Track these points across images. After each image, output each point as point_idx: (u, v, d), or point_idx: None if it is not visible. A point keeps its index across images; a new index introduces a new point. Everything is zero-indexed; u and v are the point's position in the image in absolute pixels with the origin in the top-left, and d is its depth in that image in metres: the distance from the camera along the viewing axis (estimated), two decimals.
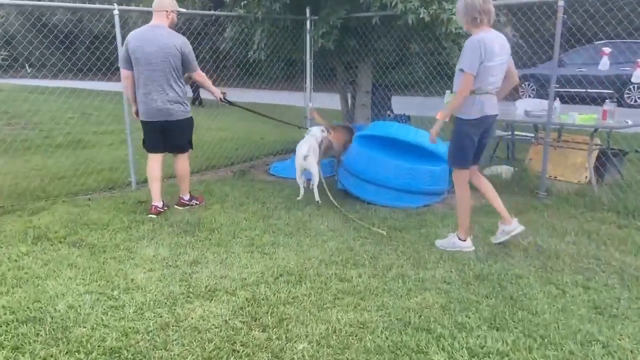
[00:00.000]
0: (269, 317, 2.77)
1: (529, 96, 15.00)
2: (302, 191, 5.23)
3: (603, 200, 4.75)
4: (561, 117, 5.48)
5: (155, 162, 4.68)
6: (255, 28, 6.89)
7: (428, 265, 3.48)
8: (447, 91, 3.75)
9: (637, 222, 4.28)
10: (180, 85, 4.52)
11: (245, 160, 7.30)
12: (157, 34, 4.34)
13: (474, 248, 3.77)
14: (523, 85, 15.47)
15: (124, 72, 4.52)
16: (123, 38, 4.79)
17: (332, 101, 8.71)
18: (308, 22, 6.67)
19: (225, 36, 7.59)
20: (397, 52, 7.44)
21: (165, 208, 4.73)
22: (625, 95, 12.93)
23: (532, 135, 6.47)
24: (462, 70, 3.45)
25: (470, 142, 3.63)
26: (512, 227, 3.77)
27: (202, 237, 4.05)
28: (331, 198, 4.99)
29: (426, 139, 4.96)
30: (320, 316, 2.79)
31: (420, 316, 2.78)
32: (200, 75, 4.62)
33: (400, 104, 9.19)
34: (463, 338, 2.54)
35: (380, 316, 2.78)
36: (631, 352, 2.40)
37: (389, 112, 9.28)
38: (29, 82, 22.30)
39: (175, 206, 4.80)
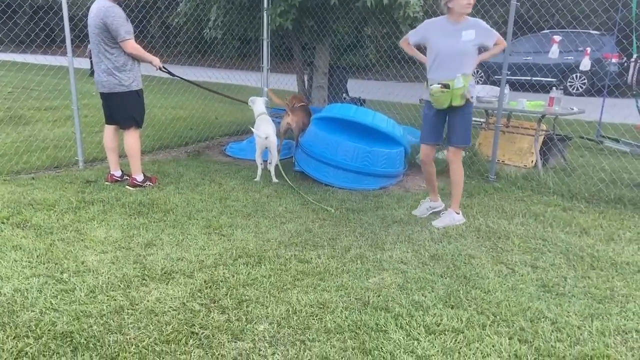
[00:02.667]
0: (228, 299, 2.74)
1: (477, 83, 15.44)
2: (259, 172, 5.18)
3: (549, 183, 4.97)
4: (510, 104, 5.67)
5: (107, 132, 4.74)
6: (211, 4, 6.69)
7: (385, 246, 3.54)
8: (458, 75, 3.66)
9: (581, 205, 4.52)
10: (111, 57, 4.36)
11: (199, 140, 7.14)
12: (95, 6, 4.33)
13: (464, 220, 4.06)
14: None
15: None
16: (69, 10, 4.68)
17: (288, 82, 8.62)
18: (265, 0, 6.53)
19: (179, 11, 7.31)
20: (354, 35, 7.44)
21: (126, 178, 4.77)
22: (568, 84, 13.54)
23: (482, 120, 6.67)
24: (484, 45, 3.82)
25: None
26: (438, 204, 4.27)
27: (156, 218, 3.93)
28: (288, 180, 4.97)
29: (383, 123, 5.05)
30: (281, 297, 2.78)
31: (379, 296, 2.82)
32: (128, 46, 4.34)
33: (354, 87, 9.23)
34: (420, 316, 2.61)
35: (339, 296, 2.81)
36: (578, 328, 2.54)
37: (344, 94, 9.30)
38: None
39: (127, 187, 4.64)
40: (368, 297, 2.80)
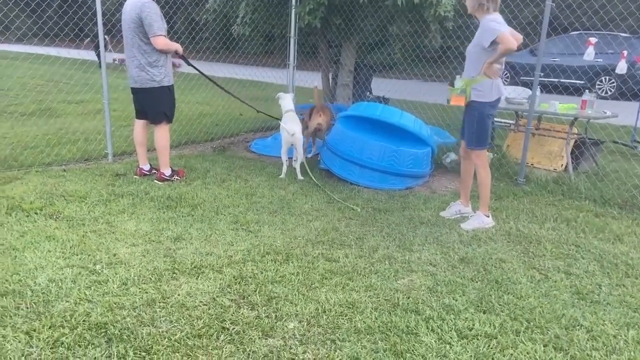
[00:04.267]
0: (257, 296, 2.74)
1: (503, 84, 15.21)
2: (284, 169, 5.18)
3: (580, 188, 4.87)
4: (542, 106, 5.56)
5: (136, 126, 4.80)
6: (240, 1, 6.72)
7: (413, 247, 3.51)
8: (457, 76, 3.77)
9: (614, 211, 4.41)
10: (145, 53, 4.39)
11: (225, 136, 7.18)
12: (131, 1, 4.36)
13: (494, 223, 3.98)
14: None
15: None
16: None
17: (313, 80, 8.61)
18: None
19: (208, 7, 7.35)
20: (382, 33, 7.39)
21: (154, 172, 4.82)
22: (597, 87, 13.25)
23: (511, 122, 6.56)
24: (493, 40, 3.55)
25: (490, 122, 3.91)
26: (467, 210, 4.21)
27: (184, 212, 3.96)
28: (313, 178, 4.97)
29: (410, 122, 5.00)
30: (309, 295, 2.77)
31: (409, 298, 2.80)
32: (159, 42, 4.32)
33: (377, 85, 9.18)
34: (451, 320, 2.58)
35: (368, 297, 2.79)
36: (614, 337, 2.47)
37: (368, 93, 9.26)
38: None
39: (155, 181, 4.68)
40: (397, 299, 2.77)
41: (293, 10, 6.54)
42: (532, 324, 2.58)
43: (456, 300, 2.78)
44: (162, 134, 4.68)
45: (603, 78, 13.10)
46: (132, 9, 4.31)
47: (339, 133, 5.18)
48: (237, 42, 7.79)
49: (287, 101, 5.31)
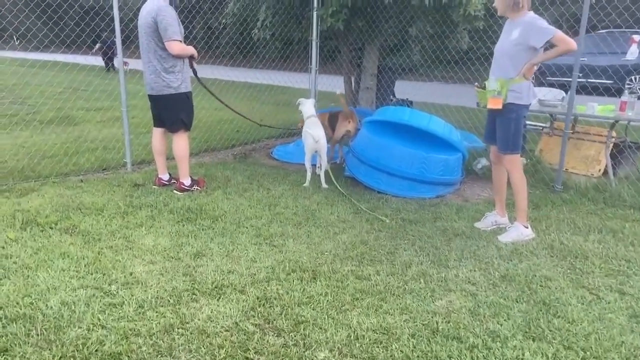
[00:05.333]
0: (284, 320, 2.53)
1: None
2: (308, 177, 4.97)
3: (623, 195, 4.55)
4: (579, 108, 5.25)
5: (155, 135, 4.66)
6: (260, 4, 6.55)
7: (449, 263, 3.25)
8: (492, 77, 3.53)
9: None
10: (160, 58, 4.23)
11: (245, 142, 7.01)
12: (147, 6, 4.23)
13: (534, 235, 3.72)
14: None
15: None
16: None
17: (334, 84, 8.40)
18: (315, 0, 6.33)
19: (228, 12, 7.21)
20: (405, 35, 7.14)
21: (174, 181, 4.70)
22: (626, 86, 12.75)
23: (544, 125, 6.25)
24: (547, 41, 3.36)
25: (522, 126, 3.68)
26: (504, 220, 3.95)
27: (204, 225, 3.78)
28: (339, 187, 4.75)
29: (440, 127, 4.75)
30: (340, 319, 2.55)
31: (448, 322, 2.55)
32: (174, 47, 4.15)
33: (399, 88, 8.93)
34: (498, 349, 2.32)
35: (404, 321, 2.55)
36: None
37: (391, 96, 9.00)
38: (17, 55, 21.65)
39: (175, 191, 4.52)
40: (436, 323, 2.53)
41: (314, 13, 6.34)
42: (588, 353, 2.31)
43: (501, 325, 2.53)
44: (181, 142, 4.52)
45: (634, 77, 12.61)
46: (148, 14, 4.17)
47: (365, 139, 4.95)
48: (256, 46, 7.63)
49: (308, 107, 5.10)
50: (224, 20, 7.17)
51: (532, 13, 3.51)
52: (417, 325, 2.52)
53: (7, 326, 2.35)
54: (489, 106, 3.58)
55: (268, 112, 9.42)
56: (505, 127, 3.65)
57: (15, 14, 6.06)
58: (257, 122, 5.35)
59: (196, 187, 4.61)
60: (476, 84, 3.76)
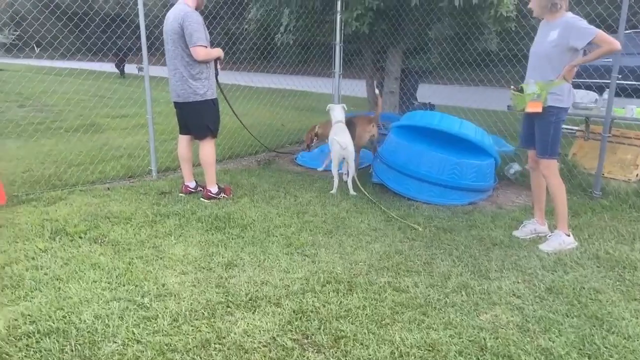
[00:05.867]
0: (323, 335, 2.42)
1: None
2: (336, 184, 4.87)
3: None
4: (617, 111, 5.05)
5: (181, 142, 4.59)
6: (283, 9, 6.49)
7: (490, 274, 3.12)
8: (531, 80, 3.41)
9: None
10: (187, 65, 4.16)
11: (271, 149, 6.93)
12: (173, 12, 4.17)
13: (577, 243, 3.58)
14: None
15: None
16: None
17: (357, 88, 8.30)
18: (339, 3, 6.25)
19: (251, 17, 7.17)
20: (426, 37, 7.02)
21: (200, 189, 4.64)
22: None
23: (576, 128, 6.06)
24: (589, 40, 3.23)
25: (561, 130, 3.54)
26: (544, 229, 3.79)
27: (234, 234, 3.70)
28: (367, 194, 4.64)
29: (472, 131, 4.61)
30: (381, 335, 2.44)
31: (496, 338, 2.42)
32: (199, 52, 4.08)
33: (419, 92, 8.81)
34: None
35: (449, 337, 2.43)
36: None
37: (413, 100, 8.87)
38: (40, 63, 21.98)
39: (202, 199, 4.46)
40: (484, 340, 2.40)
41: (338, 16, 6.26)
42: None
43: (553, 342, 2.39)
44: (208, 149, 4.45)
45: None
46: (174, 20, 4.10)
47: (393, 144, 4.84)
48: (279, 51, 7.58)
49: (337, 112, 5.00)
50: (246, 26, 7.12)
51: (570, 14, 3.40)
52: (463, 342, 2.39)
53: (40, 341, 2.29)
54: (529, 110, 3.44)
55: (291, 117, 9.36)
56: (544, 131, 3.51)
57: (42, 21, 6.09)
58: (259, 140, 5.37)
59: (223, 195, 4.54)
60: (512, 87, 3.62)
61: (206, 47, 4.17)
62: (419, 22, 6.11)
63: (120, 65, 20.58)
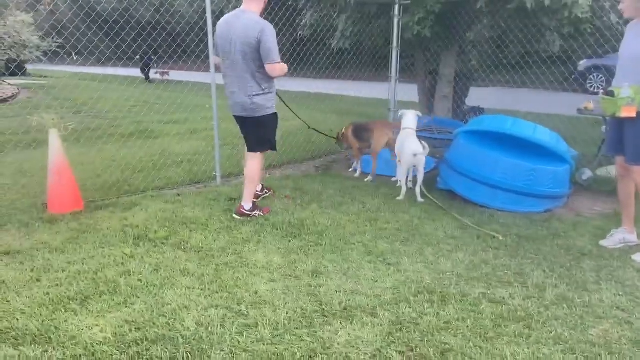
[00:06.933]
0: (427, 347, 2.37)
1: (598, 88, 14.07)
2: (404, 191, 4.80)
3: None
4: None
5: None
6: (338, 15, 6.48)
7: (588, 286, 3.00)
8: (625, 84, 3.29)
9: None
10: (258, 79, 3.93)
11: (325, 154, 6.92)
12: (242, 21, 3.85)
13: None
14: (591, 77, 14.54)
15: (214, 58, 4.49)
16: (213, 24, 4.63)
17: (409, 93, 8.21)
18: (396, 7, 6.19)
19: (305, 22, 7.18)
20: (483, 39, 6.89)
21: (266, 191, 4.76)
22: None
23: None
24: None
25: None
26: (633, 238, 3.68)
27: (310, 241, 3.68)
28: (436, 201, 4.56)
29: (547, 137, 4.48)
30: (488, 349, 2.36)
31: (611, 353, 2.32)
32: (278, 69, 3.89)
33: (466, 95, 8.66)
34: None
35: (562, 352, 2.33)
36: None
37: (462, 104, 8.72)
38: (78, 69, 22.65)
39: (234, 215, 4.20)
40: (600, 357, 2.30)
41: (396, 20, 6.20)
42: None
43: None
44: (256, 164, 4.22)
45: None
46: (248, 29, 3.79)
47: (463, 150, 4.75)
48: (333, 56, 7.55)
49: (409, 118, 4.91)
50: (300, 32, 7.14)
51: None
52: (577, 358, 2.29)
53: (150, 349, 2.31)
54: (622, 115, 3.31)
55: (334, 121, 9.32)
56: (637, 137, 3.37)
57: (80, 29, 6.21)
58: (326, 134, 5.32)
59: (258, 212, 4.23)
60: (601, 91, 3.51)
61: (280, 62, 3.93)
62: (483, 24, 6.00)
63: (145, 69, 21.20)
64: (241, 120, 4.19)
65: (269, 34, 3.79)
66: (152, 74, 20.94)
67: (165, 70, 20.98)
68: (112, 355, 2.25)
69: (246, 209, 4.19)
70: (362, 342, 2.41)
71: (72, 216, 4.07)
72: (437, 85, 7.71)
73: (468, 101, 8.95)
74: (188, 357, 2.26)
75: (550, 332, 2.50)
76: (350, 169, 6.03)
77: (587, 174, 5.07)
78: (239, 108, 4.07)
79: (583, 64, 14.25)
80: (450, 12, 6.04)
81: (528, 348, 2.37)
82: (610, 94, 3.39)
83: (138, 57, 21.52)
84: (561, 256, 3.45)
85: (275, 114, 4.22)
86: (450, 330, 2.52)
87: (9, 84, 15.27)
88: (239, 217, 4.16)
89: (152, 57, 21.07)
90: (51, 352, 2.26)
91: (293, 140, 6.92)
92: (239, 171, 5.53)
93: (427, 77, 8.05)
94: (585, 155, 5.68)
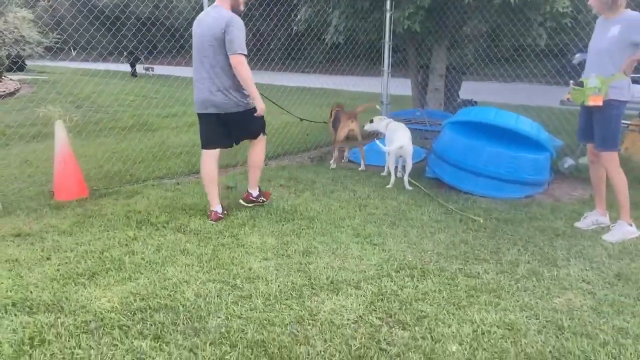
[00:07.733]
0: (405, 314, 2.61)
1: None
2: (392, 179, 5.04)
3: None
4: None
5: (210, 160, 4.03)
6: (333, 10, 6.68)
7: (558, 262, 3.24)
8: (592, 74, 3.52)
9: None
10: (230, 75, 3.77)
11: (319, 145, 7.15)
12: (211, 16, 3.77)
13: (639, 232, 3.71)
14: None
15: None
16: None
17: (402, 87, 8.43)
18: (388, 2, 6.41)
19: (299, 18, 7.40)
20: (472, 34, 7.10)
21: (262, 200, 4.37)
22: None
23: (629, 122, 6.06)
24: None
25: (621, 122, 3.67)
26: (605, 220, 3.90)
27: (303, 225, 3.92)
28: (423, 188, 4.80)
29: (527, 126, 4.71)
30: (461, 315, 2.60)
31: (572, 319, 2.56)
32: (241, 61, 3.69)
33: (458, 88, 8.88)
34: (631, 345, 2.32)
35: (526, 317, 2.58)
36: None
37: (456, 97, 8.95)
38: (78, 65, 22.80)
39: (241, 201, 4.35)
40: (560, 321, 2.54)
41: (388, 15, 6.41)
42: None
43: (628, 323, 2.51)
44: (260, 149, 4.21)
45: None
46: (214, 24, 3.68)
47: (448, 140, 4.98)
48: (326, 51, 7.78)
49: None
50: (295, 27, 7.35)
51: (630, 10, 3.52)
52: (540, 322, 2.54)
53: (154, 315, 2.55)
54: (590, 103, 3.54)
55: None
56: (605, 124, 3.62)
57: (79, 25, 6.40)
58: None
59: (262, 199, 4.37)
60: (572, 82, 3.75)
61: (246, 56, 3.75)
62: (472, 20, 6.21)
63: (134, 64, 21.71)
64: (218, 117, 3.91)
65: (235, 26, 3.66)
66: (139, 69, 21.46)
67: (151, 66, 21.58)
68: (119, 321, 2.49)
69: (254, 195, 4.32)
70: (346, 310, 2.65)
71: (77, 203, 4.31)
72: (428, 79, 7.93)
73: (463, 94, 9.18)
74: (188, 322, 2.50)
75: (518, 301, 2.74)
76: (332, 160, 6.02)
77: (568, 162, 5.31)
78: (208, 104, 3.86)
79: (578, 57, 14.49)
80: (440, 7, 6.25)
81: (496, 314, 2.61)
82: (580, 84, 3.63)
83: (127, 52, 21.99)
84: (536, 236, 3.69)
85: (254, 108, 3.96)
86: (427, 300, 2.76)
87: (10, 79, 15.48)
88: (246, 204, 4.30)
89: (142, 52, 21.55)
90: (63, 318, 2.50)
91: (288, 133, 7.15)
92: (235, 162, 5.76)
93: (419, 71, 8.27)
94: (569, 145, 5.92)
